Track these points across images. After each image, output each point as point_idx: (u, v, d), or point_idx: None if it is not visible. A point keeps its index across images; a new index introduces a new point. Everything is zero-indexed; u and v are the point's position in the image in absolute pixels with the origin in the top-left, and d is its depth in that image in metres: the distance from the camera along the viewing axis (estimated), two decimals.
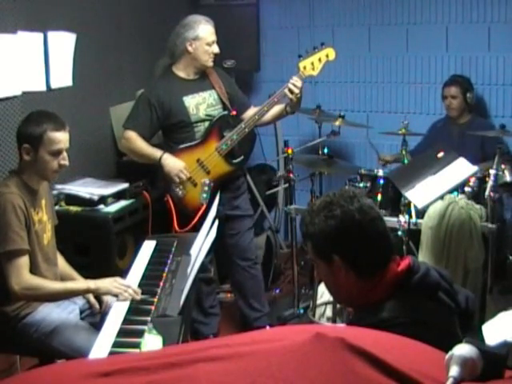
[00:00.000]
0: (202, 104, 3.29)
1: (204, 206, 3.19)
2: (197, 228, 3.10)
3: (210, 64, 3.28)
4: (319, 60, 3.26)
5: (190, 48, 3.21)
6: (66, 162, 2.43)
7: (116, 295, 2.30)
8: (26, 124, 2.39)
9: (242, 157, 3.36)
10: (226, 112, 3.31)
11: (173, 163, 3.20)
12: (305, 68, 3.24)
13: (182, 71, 3.30)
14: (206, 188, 3.24)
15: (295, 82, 3.17)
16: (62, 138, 2.39)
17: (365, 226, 1.58)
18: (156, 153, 3.22)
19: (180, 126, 3.26)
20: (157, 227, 3.59)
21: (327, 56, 3.27)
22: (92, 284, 2.35)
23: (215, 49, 3.25)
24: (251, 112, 3.35)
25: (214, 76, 3.36)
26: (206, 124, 3.27)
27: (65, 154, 2.42)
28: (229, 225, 3.41)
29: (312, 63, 3.25)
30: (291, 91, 3.17)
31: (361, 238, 1.59)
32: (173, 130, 3.29)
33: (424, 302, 1.57)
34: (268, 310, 3.63)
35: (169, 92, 3.24)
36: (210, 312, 3.53)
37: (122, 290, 2.28)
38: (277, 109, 3.32)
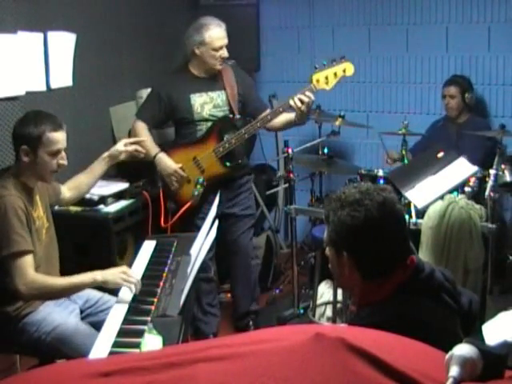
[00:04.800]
0: (208, 104, 3.30)
1: (190, 203, 3.22)
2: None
3: (219, 67, 3.28)
4: (335, 74, 3.09)
5: (197, 51, 3.24)
6: (65, 162, 2.43)
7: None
8: (24, 125, 2.37)
9: (240, 161, 3.34)
10: (229, 114, 3.31)
11: (164, 164, 3.27)
12: (318, 81, 3.09)
13: (195, 69, 3.33)
14: (199, 186, 3.26)
15: (303, 98, 3.06)
16: (60, 138, 2.39)
17: (381, 235, 1.56)
18: (152, 150, 3.27)
19: (183, 122, 3.32)
20: (157, 227, 3.60)
21: (344, 71, 3.09)
22: (99, 276, 2.30)
23: (223, 53, 3.24)
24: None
25: (229, 76, 3.35)
26: (209, 124, 3.29)
27: (63, 153, 2.42)
28: (228, 222, 3.43)
29: (326, 77, 3.08)
30: (301, 102, 3.07)
31: (372, 246, 1.57)
32: (178, 126, 3.40)
33: (426, 302, 1.56)
34: (257, 308, 3.68)
35: (178, 88, 3.29)
36: (207, 310, 3.54)
37: (130, 282, 2.26)
38: (287, 117, 3.27)
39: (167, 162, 3.27)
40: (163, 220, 3.26)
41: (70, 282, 2.35)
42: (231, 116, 3.31)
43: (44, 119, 2.37)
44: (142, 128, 3.32)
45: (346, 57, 3.13)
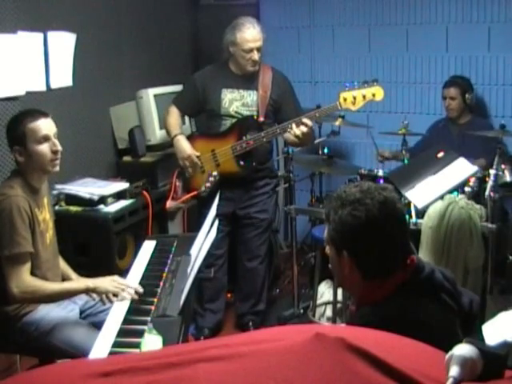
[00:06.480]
0: (236, 101, 3.33)
1: (195, 192, 3.34)
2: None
3: (249, 69, 3.29)
4: (363, 97, 3.08)
5: (231, 49, 3.29)
6: (59, 147, 2.43)
7: (115, 295, 2.30)
8: (9, 128, 2.42)
9: (254, 163, 3.34)
10: (252, 115, 3.32)
11: (180, 146, 3.35)
12: (345, 100, 3.09)
13: (233, 65, 3.37)
14: (212, 179, 3.31)
15: (296, 127, 3.09)
16: (42, 124, 2.39)
17: (382, 235, 1.55)
18: (173, 131, 3.40)
19: (210, 114, 3.40)
20: (157, 227, 3.60)
21: (374, 95, 3.07)
22: (90, 283, 2.35)
23: (253, 56, 3.24)
24: None
25: (267, 78, 3.36)
26: (234, 120, 3.33)
27: (54, 140, 2.42)
28: (240, 223, 3.47)
29: (354, 97, 3.07)
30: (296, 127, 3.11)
31: (372, 246, 1.56)
32: (206, 117, 3.47)
33: (425, 302, 1.56)
34: (263, 308, 3.66)
35: (214, 80, 3.36)
36: (206, 307, 3.55)
37: (119, 289, 2.29)
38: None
39: (184, 146, 3.34)
40: (168, 203, 3.44)
41: (62, 287, 2.38)
42: (256, 117, 3.31)
43: (23, 115, 2.40)
44: (172, 112, 3.45)
45: (378, 81, 3.11)
